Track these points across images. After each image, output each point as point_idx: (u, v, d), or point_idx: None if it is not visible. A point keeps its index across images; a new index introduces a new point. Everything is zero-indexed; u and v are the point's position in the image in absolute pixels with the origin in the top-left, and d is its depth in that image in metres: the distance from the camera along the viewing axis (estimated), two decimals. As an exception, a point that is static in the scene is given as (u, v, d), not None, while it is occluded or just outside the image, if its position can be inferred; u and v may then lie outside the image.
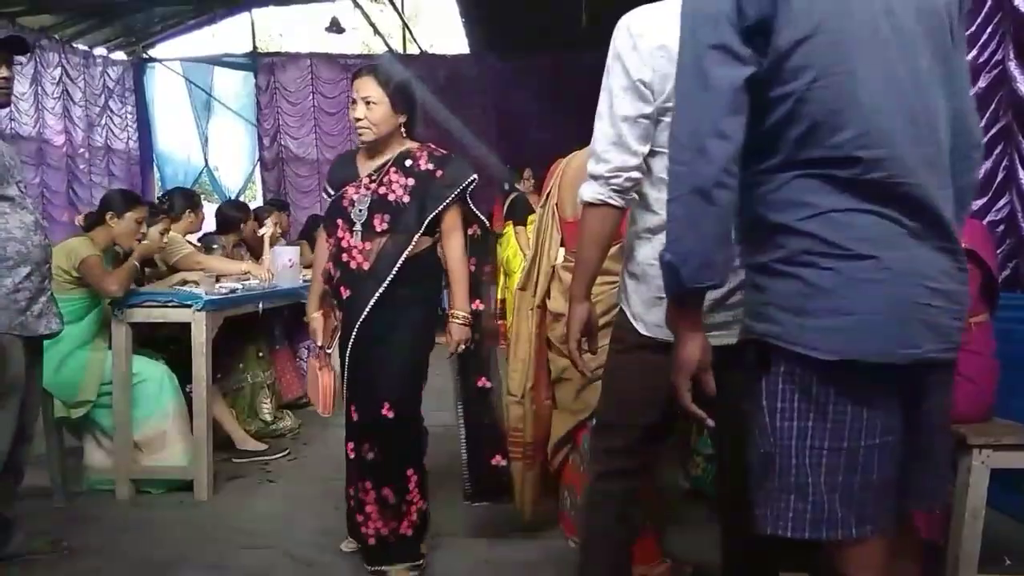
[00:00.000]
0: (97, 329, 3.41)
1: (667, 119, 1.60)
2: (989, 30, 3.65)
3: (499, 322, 6.34)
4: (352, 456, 2.56)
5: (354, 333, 2.49)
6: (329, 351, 2.76)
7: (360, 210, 2.49)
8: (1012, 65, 3.55)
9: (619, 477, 1.80)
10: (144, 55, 10.74)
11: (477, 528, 2.97)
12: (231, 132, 10.94)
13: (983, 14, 3.66)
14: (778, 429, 1.30)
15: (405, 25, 10.76)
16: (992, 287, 2.45)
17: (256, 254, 4.85)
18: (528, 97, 9.29)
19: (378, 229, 2.47)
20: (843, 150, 1.22)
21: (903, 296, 1.22)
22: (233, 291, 3.66)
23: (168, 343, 3.68)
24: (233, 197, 9.62)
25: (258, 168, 10.94)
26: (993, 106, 3.61)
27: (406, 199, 2.48)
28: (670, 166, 1.29)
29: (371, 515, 2.53)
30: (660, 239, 1.63)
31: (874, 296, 1.22)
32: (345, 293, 2.53)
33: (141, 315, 3.35)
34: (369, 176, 2.53)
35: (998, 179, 3.60)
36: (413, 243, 2.47)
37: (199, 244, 4.40)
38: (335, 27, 10.03)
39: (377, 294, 2.44)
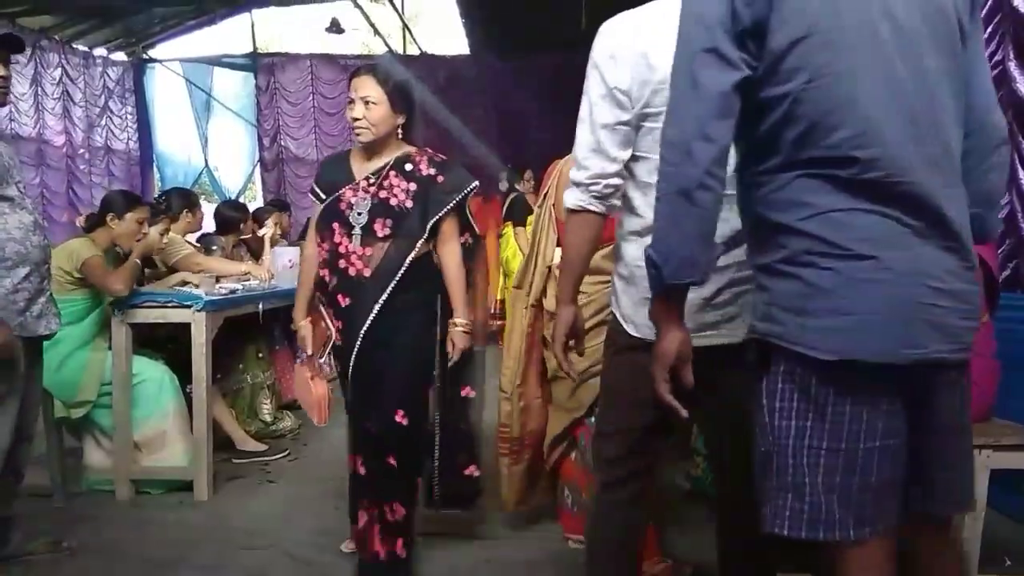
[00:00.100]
0: (97, 329, 3.41)
1: (648, 124, 1.62)
2: (989, 30, 3.65)
3: (500, 322, 6.36)
4: (362, 472, 2.46)
5: (358, 343, 2.41)
6: (321, 360, 2.66)
7: (359, 214, 2.41)
8: (1012, 65, 3.56)
9: (623, 484, 1.79)
10: (144, 56, 10.75)
11: (476, 528, 2.97)
12: (231, 133, 10.95)
13: (983, 14, 3.67)
14: (777, 428, 1.30)
15: (405, 26, 10.77)
16: (992, 287, 2.45)
17: (256, 255, 4.85)
18: (528, 98, 9.31)
19: (380, 234, 2.40)
20: (840, 150, 1.22)
21: (905, 296, 1.22)
22: (233, 292, 3.66)
23: (168, 343, 3.68)
24: (233, 198, 9.62)
25: (258, 169, 10.96)
26: (993, 106, 3.61)
27: (409, 204, 2.42)
28: (659, 166, 1.31)
29: (376, 532, 2.46)
30: (647, 241, 1.64)
31: (874, 296, 1.21)
32: (344, 301, 2.44)
33: (141, 315, 3.35)
34: (367, 179, 2.46)
35: (998, 179, 3.60)
36: (417, 248, 2.41)
37: (198, 245, 4.40)
38: (335, 28, 10.04)
39: (381, 301, 2.38)
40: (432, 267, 2.51)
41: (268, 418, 4.35)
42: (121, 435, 3.36)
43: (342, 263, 2.42)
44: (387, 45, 10.45)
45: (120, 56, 10.51)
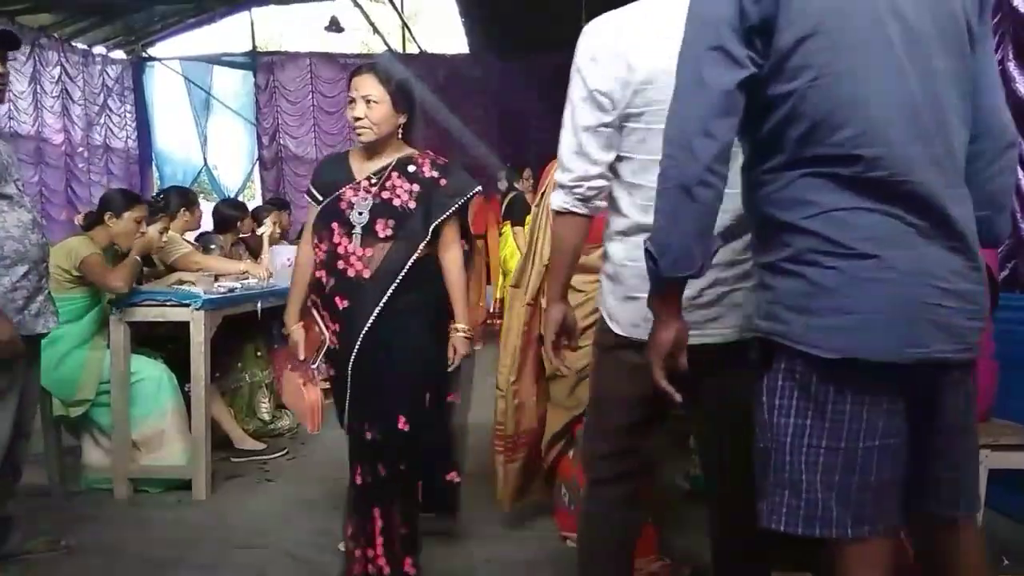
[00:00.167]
0: (96, 328, 3.40)
1: (631, 124, 1.62)
2: (989, 30, 3.65)
3: (499, 321, 6.36)
4: (361, 482, 2.38)
5: (357, 346, 2.33)
6: (313, 365, 2.55)
7: (360, 214, 2.35)
8: (1011, 65, 3.56)
9: (614, 483, 1.79)
10: (143, 54, 10.76)
11: (475, 527, 2.97)
12: (230, 131, 10.96)
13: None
14: (776, 425, 1.31)
15: (404, 24, 10.77)
16: (992, 288, 2.45)
17: (255, 253, 4.85)
18: (527, 97, 9.31)
19: (381, 235, 2.33)
20: (844, 148, 1.23)
21: (909, 296, 1.22)
22: (232, 290, 3.66)
23: (167, 342, 3.67)
24: (232, 196, 9.62)
25: (257, 167, 10.96)
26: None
27: (412, 204, 2.37)
28: (661, 161, 1.31)
29: (377, 550, 2.37)
30: (633, 240, 1.66)
31: (877, 295, 1.22)
32: (342, 303, 2.35)
33: (140, 314, 3.35)
34: (368, 179, 2.39)
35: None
36: (419, 250, 2.35)
37: (196, 243, 4.40)
38: (334, 26, 10.05)
39: (381, 304, 2.31)
40: (432, 270, 2.43)
41: (267, 417, 4.35)
42: (119, 434, 3.35)
43: (341, 264, 2.35)
44: (386, 44, 10.45)
45: (119, 54, 10.52)
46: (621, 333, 1.71)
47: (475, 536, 2.92)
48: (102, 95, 10.03)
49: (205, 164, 10.93)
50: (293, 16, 11.66)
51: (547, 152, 3.33)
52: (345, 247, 2.35)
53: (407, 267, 2.33)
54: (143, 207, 3.56)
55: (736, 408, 1.70)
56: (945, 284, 1.23)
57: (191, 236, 4.41)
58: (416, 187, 2.39)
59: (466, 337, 2.47)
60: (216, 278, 3.86)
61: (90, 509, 3.23)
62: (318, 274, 2.41)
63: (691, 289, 1.58)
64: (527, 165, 7.09)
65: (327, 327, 2.42)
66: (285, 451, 4.02)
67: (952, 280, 1.24)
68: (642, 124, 1.62)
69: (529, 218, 5.14)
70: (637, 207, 1.65)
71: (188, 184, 9.74)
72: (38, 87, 8.84)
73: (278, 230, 5.16)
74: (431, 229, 2.37)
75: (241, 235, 4.93)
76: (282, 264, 4.23)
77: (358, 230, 2.34)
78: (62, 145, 9.28)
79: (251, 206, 5.74)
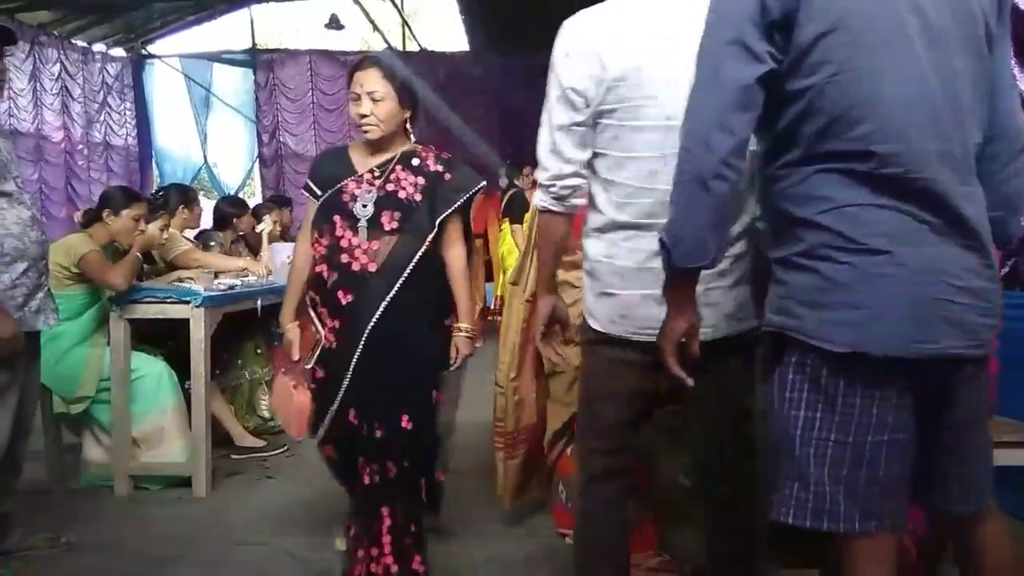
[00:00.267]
0: (96, 325, 3.41)
1: (604, 121, 1.64)
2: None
3: (499, 318, 6.36)
4: (369, 481, 2.32)
5: (362, 341, 2.27)
6: (308, 365, 2.44)
7: (365, 206, 2.29)
8: (1012, 63, 3.55)
9: (608, 480, 1.80)
10: (143, 51, 10.75)
11: (474, 525, 2.97)
12: (230, 129, 10.95)
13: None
14: (786, 418, 1.32)
15: (404, 22, 10.76)
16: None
17: (254, 251, 4.84)
18: (527, 94, 9.24)
19: (387, 228, 2.28)
20: (860, 144, 1.24)
21: (921, 292, 1.23)
22: (232, 287, 3.66)
23: (167, 339, 3.67)
24: (232, 194, 9.62)
25: (257, 165, 10.95)
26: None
27: (418, 197, 2.32)
28: (678, 154, 1.33)
29: (384, 549, 2.33)
30: (609, 237, 1.68)
31: (888, 291, 1.23)
32: (346, 298, 2.29)
33: (140, 311, 3.35)
34: (372, 172, 2.35)
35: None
36: (426, 244, 2.30)
37: (196, 241, 4.40)
38: (334, 24, 10.05)
39: (388, 297, 2.26)
40: (435, 266, 2.38)
41: (267, 414, 4.34)
42: (120, 431, 3.35)
43: (344, 257, 2.29)
44: (386, 41, 10.45)
45: (119, 52, 10.51)
46: (599, 329, 1.73)
47: (474, 534, 2.92)
48: (102, 92, 10.02)
49: (205, 162, 10.93)
50: (293, 13, 11.66)
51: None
52: (349, 240, 2.29)
53: (414, 261, 2.29)
54: (142, 204, 3.55)
55: (724, 407, 1.71)
56: (958, 281, 1.24)
57: (191, 234, 4.41)
58: (421, 180, 2.34)
59: (469, 337, 2.42)
60: (216, 275, 3.86)
61: (90, 506, 3.24)
62: (318, 269, 2.34)
63: None
64: (526, 163, 7.07)
65: (324, 324, 2.36)
66: (285, 448, 4.02)
67: (965, 277, 1.25)
68: (615, 121, 1.63)
69: (528, 215, 5.15)
70: (612, 204, 1.67)
71: (188, 181, 9.73)
72: (38, 84, 8.83)
73: (278, 228, 5.16)
74: (437, 222, 2.33)
75: (240, 232, 4.92)
76: (282, 261, 4.23)
77: (363, 223, 2.29)
78: (62, 143, 9.27)
79: (252, 204, 5.74)
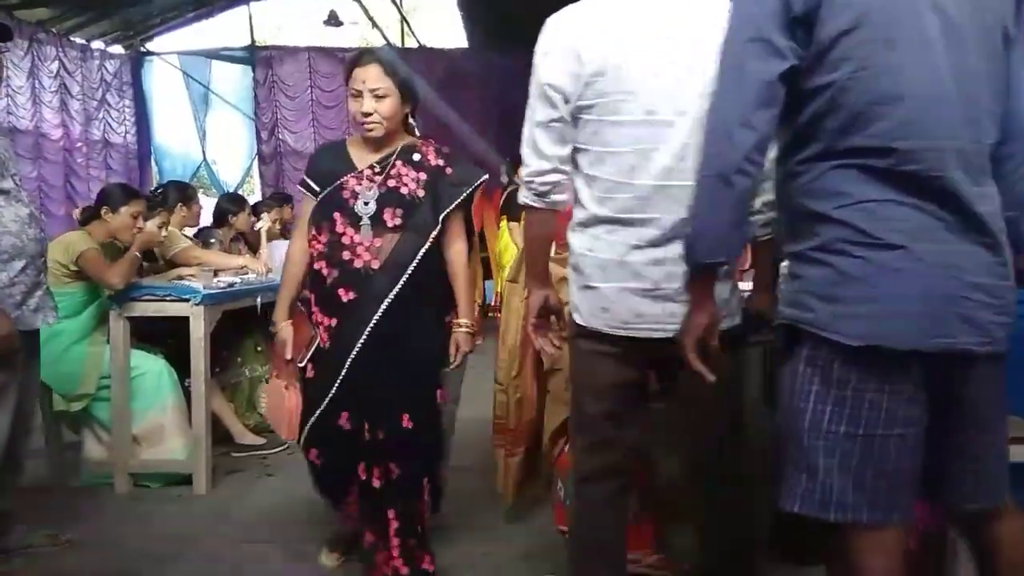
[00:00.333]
0: (95, 323, 3.41)
1: (584, 117, 1.65)
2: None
3: (499, 315, 6.36)
4: (376, 485, 2.30)
5: (363, 339, 2.24)
6: (301, 364, 2.38)
7: (367, 203, 2.26)
8: None
9: (600, 480, 1.80)
10: (142, 49, 10.73)
11: (474, 521, 2.97)
12: (229, 126, 10.93)
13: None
14: (797, 410, 1.34)
15: (403, 18, 10.75)
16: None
17: (254, 248, 4.84)
18: (526, 91, 9.26)
19: (389, 224, 2.25)
20: (880, 140, 1.25)
21: (935, 287, 1.25)
22: (231, 285, 3.66)
23: (167, 337, 3.67)
24: (231, 191, 9.61)
25: (256, 162, 10.94)
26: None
27: (420, 193, 2.29)
28: (701, 149, 1.36)
29: (392, 552, 2.31)
30: (591, 232, 1.69)
31: (903, 285, 1.24)
32: (347, 296, 2.26)
33: (139, 309, 3.35)
34: (372, 168, 2.31)
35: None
36: (430, 240, 2.27)
37: (196, 239, 4.40)
38: (333, 20, 10.03)
39: (391, 296, 2.23)
40: (438, 262, 2.36)
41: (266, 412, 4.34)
42: (120, 429, 3.36)
43: (346, 255, 2.26)
44: (385, 38, 10.43)
45: (118, 49, 10.49)
46: (581, 323, 1.74)
47: (474, 530, 2.92)
48: (100, 90, 10.00)
49: (204, 159, 10.91)
50: (291, 10, 11.63)
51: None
52: (351, 237, 2.26)
53: (417, 258, 2.26)
54: (140, 202, 3.56)
55: (707, 403, 1.72)
56: (972, 278, 1.26)
57: (191, 231, 4.40)
58: (423, 175, 2.32)
59: (469, 333, 2.39)
60: (215, 273, 3.87)
61: (91, 504, 3.24)
62: (316, 266, 2.31)
63: (647, 283, 1.63)
64: (525, 159, 7.06)
65: (319, 323, 2.32)
66: (285, 446, 4.01)
67: (979, 275, 1.26)
68: (595, 116, 1.64)
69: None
70: (594, 199, 1.68)
71: (187, 179, 9.72)
72: (36, 82, 8.81)
73: (277, 225, 5.15)
74: (441, 218, 2.31)
75: (236, 229, 4.92)
76: (281, 259, 4.22)
77: (366, 220, 2.26)
78: (61, 140, 9.25)
79: (251, 201, 5.74)
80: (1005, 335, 1.31)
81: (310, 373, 2.35)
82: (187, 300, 3.30)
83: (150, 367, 3.47)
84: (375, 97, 2.24)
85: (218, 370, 4.02)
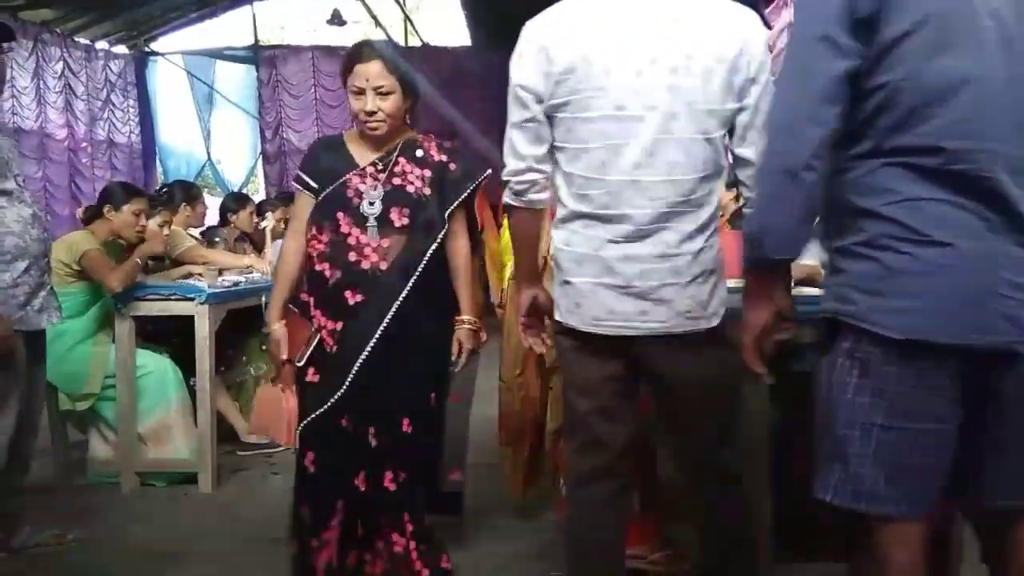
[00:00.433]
0: (100, 322, 3.42)
1: (559, 115, 1.66)
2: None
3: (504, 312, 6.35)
4: (390, 488, 2.23)
5: (372, 342, 2.17)
6: (299, 364, 2.28)
7: (372, 203, 2.19)
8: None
9: (596, 479, 1.79)
10: (146, 49, 10.74)
11: (479, 518, 2.98)
12: (233, 125, 10.94)
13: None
14: (835, 401, 1.36)
15: (407, 17, 10.74)
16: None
17: (258, 248, 4.85)
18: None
19: (397, 224, 2.19)
20: (930, 139, 1.27)
21: (979, 284, 1.27)
22: (236, 284, 3.67)
23: (172, 336, 3.68)
24: (236, 190, 9.63)
25: (260, 161, 10.95)
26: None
27: (427, 191, 2.24)
28: (764, 145, 1.38)
29: (411, 555, 2.26)
30: (569, 227, 1.71)
31: (948, 282, 1.27)
32: (354, 298, 2.18)
33: (144, 308, 3.36)
34: (374, 165, 2.24)
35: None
36: (439, 239, 2.23)
37: (201, 238, 4.41)
38: (336, 19, 10.03)
39: (401, 297, 2.17)
40: (442, 260, 2.30)
41: (271, 410, 4.35)
42: (125, 428, 3.37)
43: (352, 256, 2.18)
44: (388, 36, 10.42)
45: (122, 49, 10.50)
46: (558, 319, 1.76)
47: (480, 528, 2.93)
48: (105, 90, 10.01)
49: (208, 158, 10.92)
50: (295, 9, 11.62)
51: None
52: (357, 238, 2.19)
53: (426, 257, 2.22)
54: (143, 199, 3.57)
55: (696, 402, 1.72)
56: (1015, 277, 1.27)
57: (197, 231, 4.41)
58: (428, 172, 2.26)
59: (472, 330, 2.35)
60: (220, 272, 3.88)
61: (97, 503, 3.25)
62: (319, 268, 2.23)
63: (619, 279, 1.64)
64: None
65: (322, 327, 2.24)
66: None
67: (1022, 274, 1.28)
68: (568, 114, 1.66)
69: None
70: (571, 195, 1.69)
71: (192, 178, 9.73)
72: (41, 83, 8.83)
73: (282, 224, 5.16)
74: (447, 216, 2.27)
75: (238, 228, 4.92)
76: (285, 258, 4.23)
77: (372, 221, 2.20)
78: (65, 140, 9.27)
79: (256, 200, 5.75)
80: None
81: (312, 377, 2.25)
82: (192, 299, 3.31)
83: (155, 366, 3.48)
84: (379, 94, 2.17)
85: (223, 369, 4.02)
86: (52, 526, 2.85)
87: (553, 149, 1.72)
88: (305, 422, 2.25)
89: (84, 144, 9.60)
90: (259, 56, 10.68)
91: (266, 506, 3.22)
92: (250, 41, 10.77)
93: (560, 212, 1.75)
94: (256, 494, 3.38)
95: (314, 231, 2.25)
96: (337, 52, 10.55)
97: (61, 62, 9.17)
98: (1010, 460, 1.38)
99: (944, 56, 1.27)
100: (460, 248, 2.34)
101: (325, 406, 2.21)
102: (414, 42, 10.90)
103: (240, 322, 3.95)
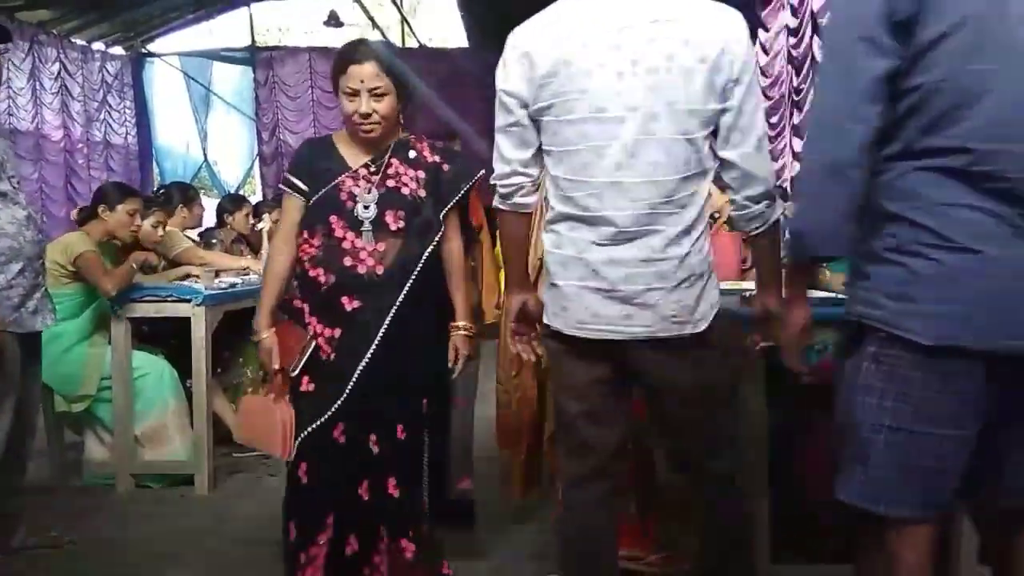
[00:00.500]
0: (96, 324, 3.41)
1: (545, 119, 1.67)
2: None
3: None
4: (367, 499, 2.19)
5: (372, 349, 2.13)
6: (293, 372, 2.19)
7: (367, 207, 2.14)
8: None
9: (587, 481, 1.79)
10: (142, 50, 10.74)
11: (480, 520, 2.97)
12: (230, 127, 10.95)
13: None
14: (858, 403, 1.37)
15: (404, 19, 10.75)
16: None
17: (255, 249, 4.84)
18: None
19: (393, 227, 2.15)
20: (959, 140, 1.28)
21: (1008, 290, 1.28)
22: (233, 286, 3.66)
23: (169, 338, 3.68)
24: (232, 192, 9.62)
25: (257, 163, 10.95)
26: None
27: (422, 193, 2.19)
28: (808, 144, 1.40)
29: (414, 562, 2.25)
30: (556, 228, 1.71)
31: (976, 287, 1.27)
32: (351, 303, 2.13)
33: (140, 310, 3.36)
34: (367, 167, 2.19)
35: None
36: (435, 241, 2.19)
37: (198, 240, 4.40)
38: (333, 21, 10.02)
39: (399, 301, 2.13)
40: (437, 263, 2.26)
41: (268, 412, 4.34)
42: (121, 429, 3.36)
43: (348, 260, 2.13)
44: (386, 38, 10.43)
45: (118, 50, 10.49)
46: (545, 321, 1.76)
47: (479, 528, 2.92)
48: (101, 91, 10.01)
49: (205, 160, 10.93)
50: (292, 11, 11.63)
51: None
52: (352, 242, 2.14)
53: (423, 260, 2.18)
54: (137, 199, 3.56)
55: (686, 405, 1.72)
56: None
57: (194, 233, 4.41)
58: (422, 173, 2.22)
59: (467, 336, 2.30)
60: (217, 274, 3.87)
61: (93, 504, 3.24)
62: (312, 273, 2.17)
63: (604, 283, 1.64)
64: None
65: (318, 335, 2.17)
66: (287, 446, 4.02)
67: None
68: (552, 117, 1.66)
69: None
70: (558, 197, 1.70)
71: (188, 180, 9.73)
72: (37, 83, 8.82)
73: (279, 226, 5.15)
74: (442, 217, 2.23)
75: (234, 229, 4.92)
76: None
77: (368, 225, 2.15)
78: (61, 141, 9.26)
79: (253, 202, 5.74)
80: None
81: (307, 387, 2.19)
82: (188, 301, 3.31)
83: (152, 368, 3.47)
84: (374, 96, 2.12)
85: (219, 371, 4.01)
86: (48, 527, 2.84)
87: (543, 154, 1.73)
88: (304, 434, 2.18)
89: (80, 145, 9.60)
90: (256, 57, 10.69)
91: (262, 507, 3.21)
92: (247, 42, 10.77)
93: (548, 215, 1.76)
94: (252, 496, 3.37)
95: (306, 235, 2.20)
96: (334, 54, 10.58)
97: (57, 63, 9.17)
98: None
99: (976, 59, 1.28)
100: (454, 250, 2.30)
101: (323, 417, 2.16)
102: (411, 43, 10.91)
103: (237, 324, 3.93)
